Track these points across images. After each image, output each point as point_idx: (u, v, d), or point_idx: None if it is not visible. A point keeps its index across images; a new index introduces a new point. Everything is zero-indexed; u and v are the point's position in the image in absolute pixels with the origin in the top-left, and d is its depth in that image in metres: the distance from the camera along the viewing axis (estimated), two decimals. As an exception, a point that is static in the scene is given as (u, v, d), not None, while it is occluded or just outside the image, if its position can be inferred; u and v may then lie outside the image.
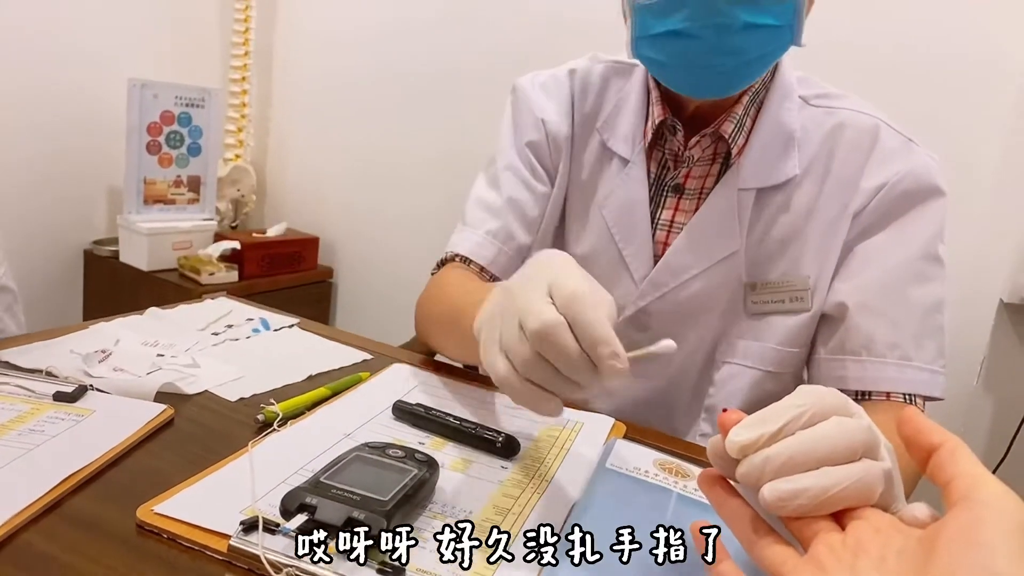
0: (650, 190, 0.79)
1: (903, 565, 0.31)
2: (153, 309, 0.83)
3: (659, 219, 0.79)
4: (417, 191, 2.04)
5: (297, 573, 0.41)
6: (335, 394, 0.66)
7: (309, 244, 2.15)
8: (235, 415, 0.61)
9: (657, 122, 0.76)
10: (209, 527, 0.44)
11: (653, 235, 0.78)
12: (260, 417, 0.59)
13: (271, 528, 0.44)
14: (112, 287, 1.97)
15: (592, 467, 0.57)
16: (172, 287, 1.86)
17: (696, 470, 0.59)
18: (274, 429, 0.58)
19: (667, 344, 0.45)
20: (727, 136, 0.74)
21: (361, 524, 0.43)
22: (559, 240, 0.87)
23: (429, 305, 0.80)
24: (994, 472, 1.45)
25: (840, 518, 0.35)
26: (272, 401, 0.61)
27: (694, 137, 0.75)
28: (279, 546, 0.43)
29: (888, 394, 0.70)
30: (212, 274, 1.88)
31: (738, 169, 0.74)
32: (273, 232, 2.11)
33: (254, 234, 2.09)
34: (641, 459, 0.59)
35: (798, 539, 0.36)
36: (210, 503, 0.47)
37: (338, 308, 2.27)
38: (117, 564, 0.41)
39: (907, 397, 0.70)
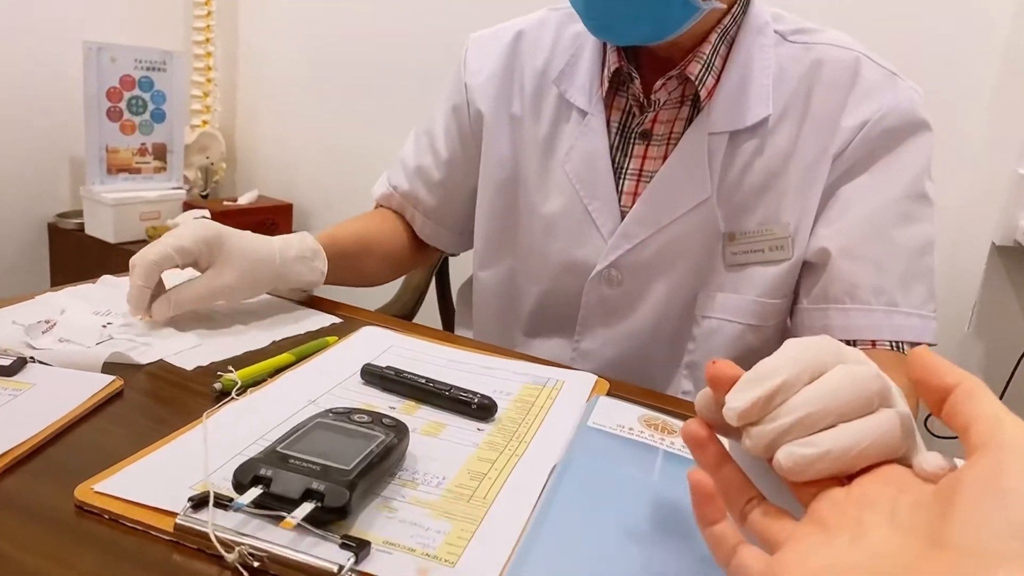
0: (615, 139, 0.75)
1: (917, 519, 0.27)
2: (106, 277, 0.78)
3: (627, 169, 0.74)
4: (392, 149, 1.98)
5: (251, 551, 0.38)
6: (300, 360, 0.62)
7: (282, 211, 2.09)
8: (191, 385, 0.57)
9: (612, 69, 0.72)
10: (155, 505, 0.40)
11: (621, 186, 0.74)
12: (217, 386, 0.55)
13: (223, 504, 0.40)
14: (79, 261, 1.91)
15: (573, 426, 0.54)
16: (141, 259, 1.80)
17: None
18: (232, 398, 0.54)
19: None
20: (693, 78, 0.69)
21: (321, 496, 0.39)
22: (515, 202, 0.81)
23: None
24: None
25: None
26: (231, 369, 0.57)
27: (659, 80, 0.71)
28: (231, 523, 0.39)
29: (874, 342, 0.67)
30: (182, 244, 1.82)
31: (708, 112, 0.70)
32: (244, 200, 2.04)
33: (225, 202, 2.02)
34: (625, 416, 0.55)
35: (800, 500, 0.33)
36: (157, 479, 0.43)
37: (316, 276, 2.22)
38: (52, 550, 0.37)
39: (894, 344, 0.67)
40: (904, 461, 0.32)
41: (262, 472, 0.40)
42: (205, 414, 0.51)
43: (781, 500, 0.34)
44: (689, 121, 0.72)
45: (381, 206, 0.95)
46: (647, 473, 0.48)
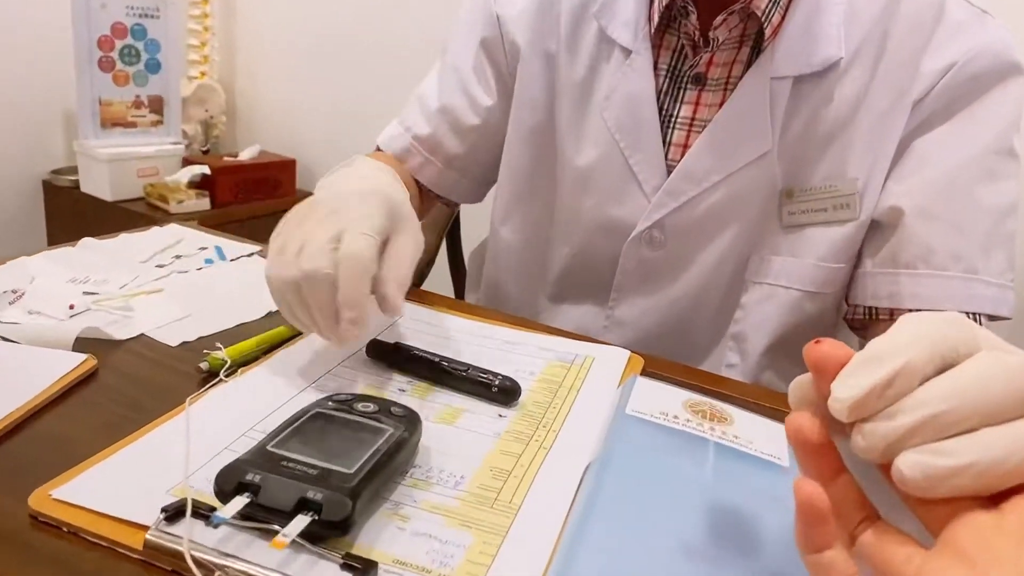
0: (663, 83, 0.66)
1: None
2: (87, 240, 0.71)
3: (677, 117, 0.66)
4: (401, 102, 1.88)
5: (235, 573, 0.31)
6: (298, 334, 0.55)
7: (286, 167, 2.01)
8: (175, 364, 0.50)
9: (665, 2, 0.63)
10: (122, 516, 0.34)
11: (670, 137, 0.66)
12: (203, 366, 0.49)
13: (204, 513, 0.34)
14: (75, 219, 1.84)
15: (609, 413, 0.47)
16: (139, 217, 1.73)
17: (735, 412, 0.49)
18: (220, 380, 0.47)
19: None
20: (759, 12, 0.60)
21: (319, 507, 0.33)
22: (546, 151, 0.73)
23: None
24: None
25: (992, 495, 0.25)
26: (219, 346, 0.50)
27: (719, 15, 0.62)
28: (212, 539, 0.33)
29: None
30: (181, 202, 1.74)
31: (772, 53, 0.61)
32: (245, 155, 1.96)
33: (225, 158, 1.94)
34: (668, 401, 0.49)
35: (924, 522, 0.26)
36: (128, 483, 0.37)
37: (321, 235, 2.14)
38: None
39: (971, 317, 0.59)
40: None
41: (248, 478, 0.34)
42: (188, 400, 0.44)
43: (900, 519, 0.27)
44: (747, 64, 0.63)
45: (381, 153, 0.82)
46: (700, 471, 0.41)
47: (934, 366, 0.26)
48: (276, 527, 0.32)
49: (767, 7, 0.60)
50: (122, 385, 0.47)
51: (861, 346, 0.66)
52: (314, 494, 0.33)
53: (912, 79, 0.60)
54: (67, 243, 0.70)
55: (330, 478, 0.34)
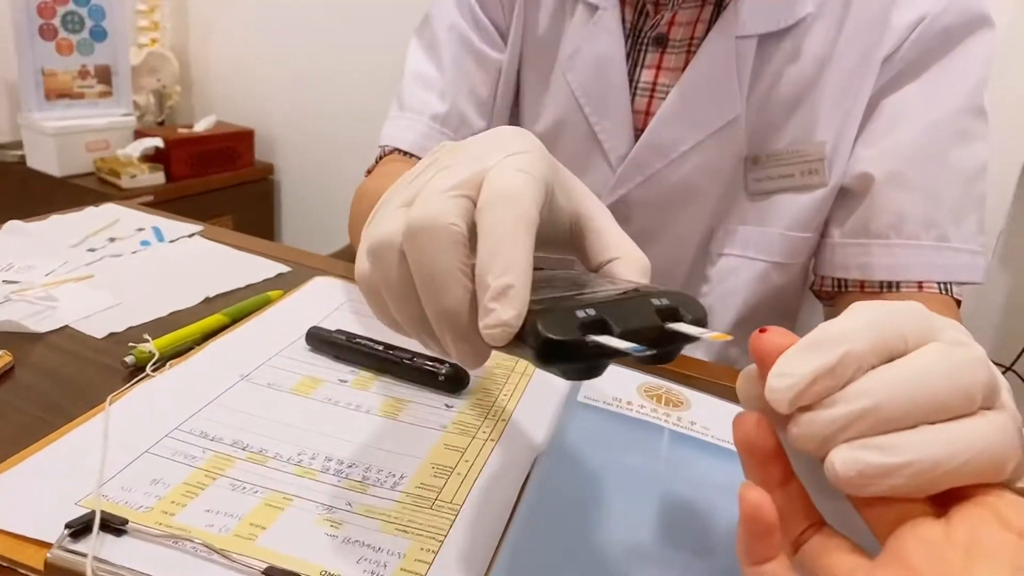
0: (626, 44, 0.63)
1: None
2: (13, 223, 0.67)
3: (638, 81, 0.63)
4: (365, 68, 1.82)
5: (147, 596, 0.29)
6: (235, 321, 0.52)
7: (243, 138, 1.94)
8: (100, 358, 0.47)
9: None
10: (22, 533, 0.31)
11: (632, 103, 0.63)
12: (129, 360, 0.45)
13: (115, 527, 0.31)
14: (23, 197, 1.77)
15: (560, 401, 0.45)
16: (90, 193, 1.66)
17: (693, 396, 0.47)
18: (147, 375, 0.44)
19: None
20: None
21: (674, 312, 0.27)
22: (513, 119, 0.71)
23: (358, 206, 0.65)
24: (1010, 368, 1.29)
25: (940, 497, 0.23)
26: (147, 337, 0.47)
27: None
28: (120, 554, 0.30)
29: (920, 284, 0.58)
30: (134, 176, 1.68)
31: (736, 10, 0.58)
32: (201, 127, 1.89)
33: (180, 130, 1.87)
34: (622, 386, 0.47)
35: (871, 525, 0.24)
36: (34, 494, 0.34)
37: (283, 207, 2.08)
38: None
39: (943, 286, 0.58)
40: (1011, 484, 0.24)
41: (584, 315, 0.25)
42: (108, 399, 0.41)
43: (848, 526, 0.25)
44: (710, 23, 0.60)
45: (393, 158, 0.68)
46: (651, 462, 0.39)
47: (878, 356, 0.23)
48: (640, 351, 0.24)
49: None
50: (40, 384, 0.44)
51: (827, 316, 0.64)
52: (660, 301, 0.27)
53: (881, 34, 0.58)
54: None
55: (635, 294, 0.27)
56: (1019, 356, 1.25)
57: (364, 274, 0.29)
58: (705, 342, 0.66)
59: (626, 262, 0.31)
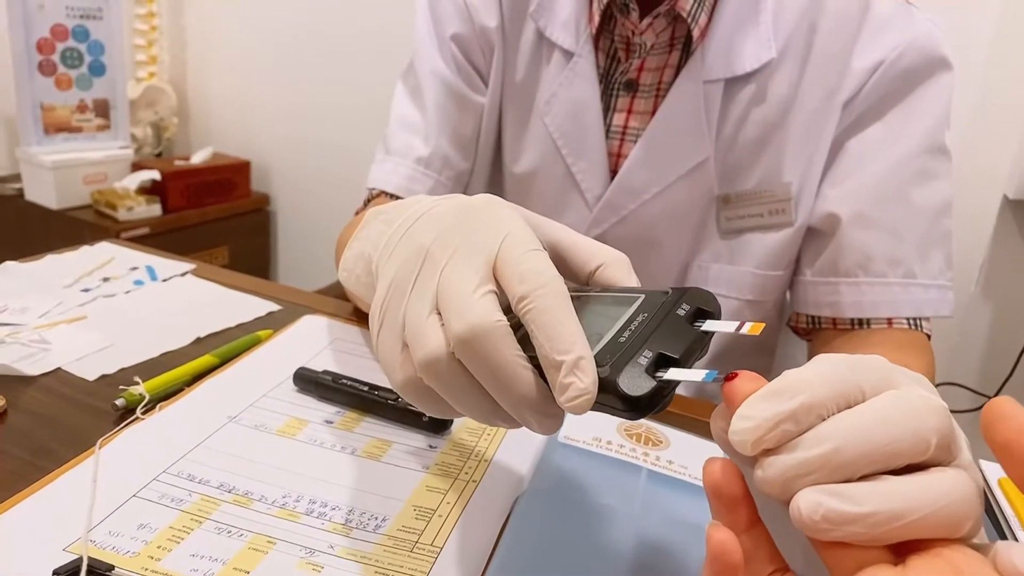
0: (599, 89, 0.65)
1: None
2: (8, 264, 0.68)
3: (610, 125, 0.65)
4: (360, 101, 1.85)
5: (131, 643, 0.30)
6: (225, 362, 0.53)
7: (239, 169, 1.96)
8: (90, 401, 0.48)
9: (606, 1, 0.62)
10: (11, 582, 0.32)
11: (606, 145, 0.65)
12: (119, 403, 0.46)
13: (101, 573, 0.32)
14: (20, 230, 1.78)
15: (541, 441, 0.46)
16: (87, 226, 1.67)
17: (672, 434, 0.48)
18: (137, 418, 0.45)
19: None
20: (685, 14, 0.59)
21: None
22: (496, 160, 0.73)
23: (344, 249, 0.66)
24: (997, 393, 1.31)
25: (899, 546, 0.24)
26: (137, 380, 0.48)
27: (645, 18, 0.61)
28: (107, 604, 0.31)
29: (890, 320, 0.59)
30: (131, 209, 1.70)
31: (702, 55, 0.60)
32: (198, 158, 1.91)
33: (177, 161, 1.89)
34: (603, 426, 0.48)
35: (830, 568, 0.25)
36: (21, 540, 0.35)
37: (279, 237, 2.10)
38: None
39: (912, 321, 0.59)
40: (966, 540, 0.24)
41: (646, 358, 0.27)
42: (98, 443, 0.42)
43: (810, 571, 0.26)
44: (678, 68, 0.62)
45: (375, 198, 0.70)
46: (628, 502, 0.40)
47: (838, 406, 0.25)
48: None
49: (692, 8, 0.59)
50: (32, 428, 0.45)
51: (809, 353, 0.65)
52: (683, 308, 0.29)
53: (841, 77, 0.60)
54: (13, 256, 0.66)
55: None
56: (1000, 388, 1.27)
57: (413, 384, 0.30)
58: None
59: (613, 266, 0.33)
